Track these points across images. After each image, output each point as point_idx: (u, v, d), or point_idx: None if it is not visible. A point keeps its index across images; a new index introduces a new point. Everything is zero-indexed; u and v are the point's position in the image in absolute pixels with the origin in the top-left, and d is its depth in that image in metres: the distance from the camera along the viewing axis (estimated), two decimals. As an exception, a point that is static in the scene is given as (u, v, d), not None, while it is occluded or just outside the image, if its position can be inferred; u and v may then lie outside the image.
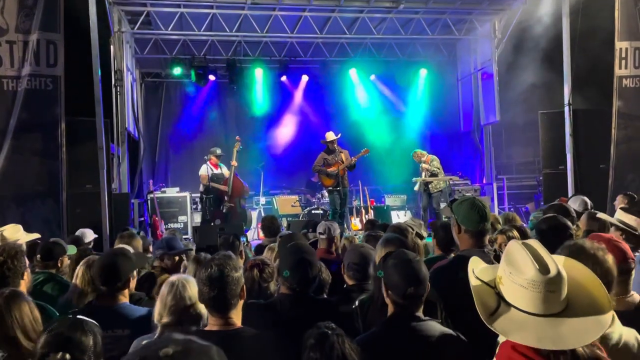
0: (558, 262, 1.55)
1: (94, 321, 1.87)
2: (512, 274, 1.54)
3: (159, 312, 2.34)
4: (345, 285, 3.08)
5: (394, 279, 2.13)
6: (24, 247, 3.03)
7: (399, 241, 2.73)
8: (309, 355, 1.74)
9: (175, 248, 3.86)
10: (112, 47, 10.12)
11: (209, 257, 2.37)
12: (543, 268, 1.49)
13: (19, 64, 6.86)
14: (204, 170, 9.69)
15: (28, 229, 4.93)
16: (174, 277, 2.43)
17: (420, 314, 2.15)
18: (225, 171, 9.74)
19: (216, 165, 9.76)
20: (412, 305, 2.13)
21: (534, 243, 1.59)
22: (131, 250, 3.38)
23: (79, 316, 1.84)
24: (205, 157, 9.99)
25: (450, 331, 2.13)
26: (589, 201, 5.24)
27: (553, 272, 1.49)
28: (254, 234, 10.34)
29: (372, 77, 13.69)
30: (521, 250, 1.55)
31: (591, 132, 8.88)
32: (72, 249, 4.22)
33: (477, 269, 1.73)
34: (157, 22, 10.91)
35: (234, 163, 9.54)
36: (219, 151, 9.86)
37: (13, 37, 6.86)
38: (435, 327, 2.12)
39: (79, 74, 7.68)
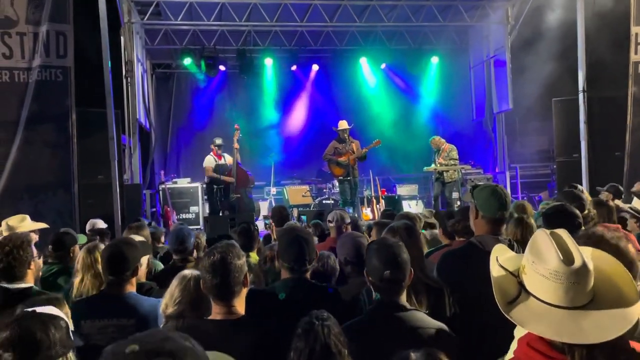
0: (585, 253, 1.48)
1: (49, 311, 1.69)
2: (534, 263, 1.48)
3: (166, 302, 2.35)
4: None
5: (373, 262, 2.14)
6: (32, 236, 3.03)
7: (406, 228, 2.67)
8: (295, 344, 1.74)
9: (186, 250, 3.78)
10: (122, 38, 10.14)
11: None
12: (567, 259, 1.43)
13: (30, 56, 6.89)
14: (209, 161, 9.57)
15: (40, 219, 4.98)
16: (187, 271, 2.44)
17: (404, 302, 2.14)
18: (228, 159, 9.63)
19: (219, 156, 9.67)
20: (391, 290, 2.11)
21: (562, 232, 1.52)
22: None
23: (38, 310, 1.66)
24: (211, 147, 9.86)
25: (435, 323, 2.11)
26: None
27: (578, 263, 1.42)
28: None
29: (383, 65, 13.58)
30: (546, 239, 1.49)
31: (606, 119, 8.74)
32: (82, 238, 4.24)
33: (502, 258, 1.66)
34: (167, 13, 10.91)
35: (236, 146, 9.38)
36: (219, 141, 9.69)
37: (23, 29, 6.89)
38: (419, 317, 2.10)
39: (89, 65, 7.71)
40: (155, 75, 13.45)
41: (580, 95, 8.71)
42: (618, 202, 4.02)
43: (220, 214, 9.23)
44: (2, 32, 6.85)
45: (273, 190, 11.74)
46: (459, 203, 10.57)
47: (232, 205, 9.36)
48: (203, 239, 4.46)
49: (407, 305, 2.13)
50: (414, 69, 13.48)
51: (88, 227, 5.67)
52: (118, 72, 9.77)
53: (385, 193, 11.18)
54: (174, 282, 2.38)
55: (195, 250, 3.83)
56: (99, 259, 2.96)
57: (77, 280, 3.02)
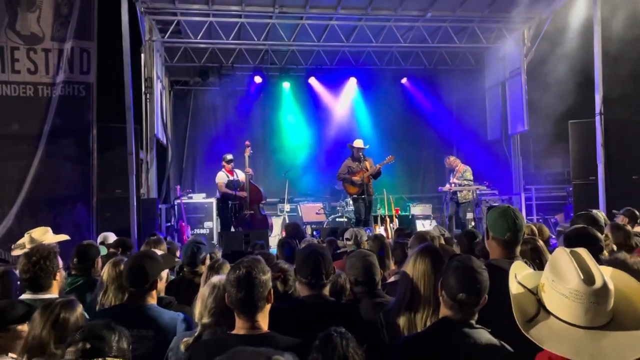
0: (605, 273, 1.48)
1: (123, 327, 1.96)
2: (554, 281, 1.48)
3: (200, 311, 2.37)
4: None
5: (450, 280, 2.09)
6: (57, 248, 3.08)
7: (435, 251, 2.65)
8: (313, 356, 1.73)
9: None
10: (143, 55, 10.33)
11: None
12: (588, 278, 1.43)
13: (54, 71, 7.06)
14: (221, 177, 9.65)
15: (59, 232, 5.04)
16: (215, 279, 2.45)
17: (472, 321, 2.09)
18: (241, 176, 9.70)
19: (231, 172, 9.72)
20: (461, 310, 2.06)
21: (582, 252, 1.52)
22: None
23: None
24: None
25: (497, 341, 2.07)
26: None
27: (599, 283, 1.42)
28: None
29: (399, 85, 13.64)
30: (567, 258, 1.49)
31: (623, 142, 8.69)
32: (102, 250, 4.29)
33: (520, 275, 1.67)
34: (187, 31, 11.11)
35: (248, 170, 9.48)
36: (229, 157, 9.78)
37: (48, 45, 7.08)
38: (485, 335, 2.06)
39: (111, 82, 7.86)
40: (173, 91, 13.64)
41: (597, 118, 8.68)
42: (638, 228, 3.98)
43: (233, 230, 9.27)
44: (28, 48, 7.04)
45: (287, 207, 11.77)
46: (473, 223, 10.53)
47: (246, 221, 9.40)
48: (219, 254, 4.49)
49: (474, 323, 2.08)
50: (429, 89, 13.53)
51: (99, 240, 5.70)
52: (138, 89, 9.93)
53: (399, 212, 11.16)
54: (206, 291, 2.39)
55: (204, 264, 3.82)
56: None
57: (101, 292, 3.06)
